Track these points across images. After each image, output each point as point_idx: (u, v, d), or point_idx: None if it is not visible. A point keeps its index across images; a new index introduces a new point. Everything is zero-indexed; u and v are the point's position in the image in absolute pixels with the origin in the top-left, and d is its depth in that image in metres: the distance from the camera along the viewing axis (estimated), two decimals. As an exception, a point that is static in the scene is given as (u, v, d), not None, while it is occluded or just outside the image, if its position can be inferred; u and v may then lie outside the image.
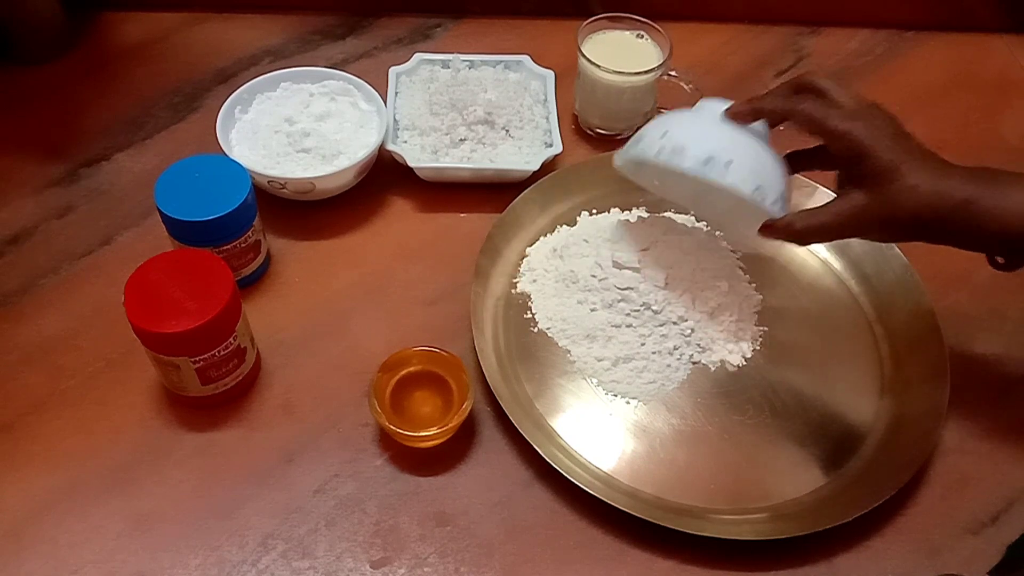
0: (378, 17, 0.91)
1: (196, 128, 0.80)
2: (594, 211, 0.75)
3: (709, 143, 0.59)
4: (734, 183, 0.58)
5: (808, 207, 0.59)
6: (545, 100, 0.80)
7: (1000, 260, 0.58)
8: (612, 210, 0.75)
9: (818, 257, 0.74)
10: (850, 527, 0.58)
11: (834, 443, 0.63)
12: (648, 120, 0.81)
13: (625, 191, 0.76)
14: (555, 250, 0.72)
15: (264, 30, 0.89)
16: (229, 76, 0.84)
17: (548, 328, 0.68)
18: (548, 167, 0.76)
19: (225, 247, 0.65)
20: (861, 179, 0.56)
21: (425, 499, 0.60)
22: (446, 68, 0.82)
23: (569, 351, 0.67)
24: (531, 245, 0.73)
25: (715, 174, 0.58)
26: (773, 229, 0.60)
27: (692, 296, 0.68)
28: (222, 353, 0.59)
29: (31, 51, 0.84)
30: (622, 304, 0.67)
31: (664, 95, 0.80)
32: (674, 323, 0.67)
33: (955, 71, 0.90)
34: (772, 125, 0.61)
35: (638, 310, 0.67)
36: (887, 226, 0.57)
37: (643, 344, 0.66)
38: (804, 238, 0.60)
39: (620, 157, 0.66)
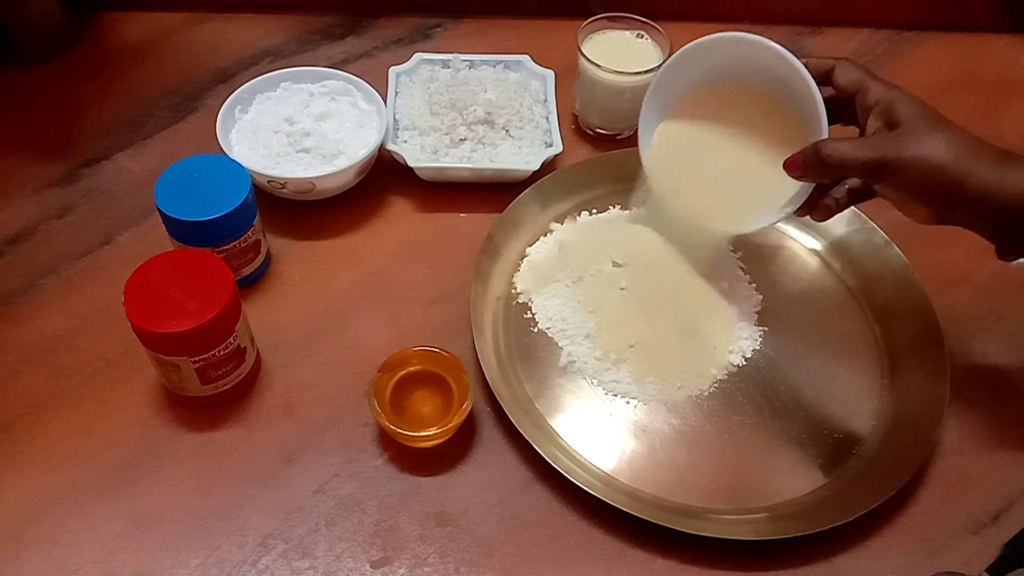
0: (378, 17, 0.91)
1: (196, 128, 0.80)
2: (594, 211, 0.75)
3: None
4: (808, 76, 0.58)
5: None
6: (545, 100, 0.80)
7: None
8: (612, 210, 0.75)
9: (818, 257, 0.74)
10: (850, 527, 0.58)
11: (834, 443, 0.64)
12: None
13: (625, 191, 0.76)
14: (556, 249, 0.72)
15: (264, 30, 0.89)
16: (229, 76, 0.84)
17: (548, 328, 0.68)
18: (548, 167, 0.76)
19: (225, 247, 0.65)
20: (900, 121, 0.55)
21: (425, 499, 0.60)
22: (446, 68, 0.82)
23: (569, 351, 0.67)
24: (531, 245, 0.73)
25: (793, 58, 0.58)
26: (800, 161, 0.58)
27: (692, 296, 0.67)
28: (222, 353, 0.59)
29: (31, 51, 0.84)
30: (622, 304, 0.67)
31: (664, 95, 0.80)
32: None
33: (955, 71, 0.90)
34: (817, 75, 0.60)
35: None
36: (905, 167, 0.54)
37: (643, 344, 0.67)
38: (829, 168, 0.57)
39: (670, 68, 0.65)
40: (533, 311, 0.69)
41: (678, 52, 0.64)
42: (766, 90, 0.63)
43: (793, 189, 0.61)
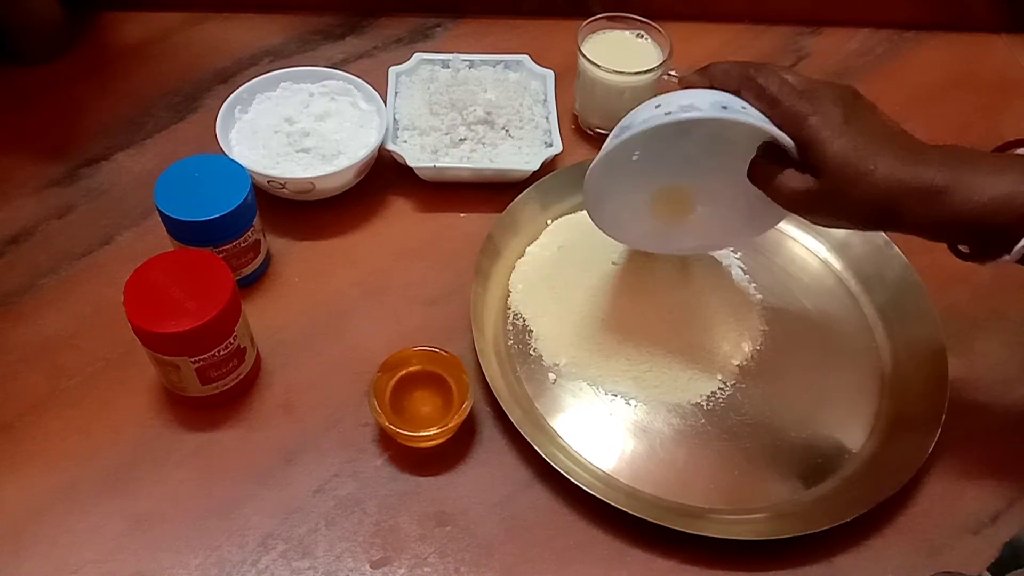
0: (378, 17, 0.91)
1: (196, 128, 0.80)
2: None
3: (714, 96, 0.55)
4: (756, 119, 0.54)
5: None
6: (545, 100, 0.80)
7: (964, 250, 0.54)
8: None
9: (818, 257, 0.74)
10: (850, 527, 0.58)
11: (834, 443, 0.64)
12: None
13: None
14: (555, 249, 0.72)
15: (264, 30, 0.89)
16: (229, 76, 0.84)
17: (548, 328, 0.68)
18: (548, 167, 0.76)
19: (225, 247, 0.65)
20: (813, 166, 0.52)
21: (425, 499, 0.60)
22: (446, 68, 0.82)
23: (570, 351, 0.67)
24: (531, 245, 0.73)
25: (736, 115, 0.54)
26: (759, 175, 0.56)
27: (692, 296, 0.67)
28: (222, 353, 0.59)
29: (31, 51, 0.84)
30: (622, 303, 0.67)
31: (664, 95, 0.80)
32: (674, 323, 0.67)
33: (955, 71, 0.90)
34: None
35: (638, 310, 0.67)
36: (840, 215, 0.53)
37: (643, 344, 0.66)
38: (776, 197, 0.55)
39: (602, 162, 0.58)
40: (533, 311, 0.69)
41: (604, 157, 0.59)
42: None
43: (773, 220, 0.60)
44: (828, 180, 0.52)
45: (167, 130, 0.80)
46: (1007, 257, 0.51)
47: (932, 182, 0.50)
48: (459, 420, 0.60)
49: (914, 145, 0.53)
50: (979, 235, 0.52)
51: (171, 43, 0.88)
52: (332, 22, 0.90)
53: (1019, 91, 0.89)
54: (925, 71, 0.90)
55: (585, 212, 0.74)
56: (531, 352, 0.67)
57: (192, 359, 0.58)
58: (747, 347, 0.68)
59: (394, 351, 0.63)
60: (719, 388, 0.66)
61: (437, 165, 0.74)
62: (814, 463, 0.62)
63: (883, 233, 0.72)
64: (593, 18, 0.79)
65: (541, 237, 0.73)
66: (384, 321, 0.68)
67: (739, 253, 0.73)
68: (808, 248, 0.74)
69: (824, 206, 0.53)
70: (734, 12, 0.92)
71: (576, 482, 0.58)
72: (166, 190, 0.63)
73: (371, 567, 0.57)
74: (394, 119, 0.78)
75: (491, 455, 0.62)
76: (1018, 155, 0.53)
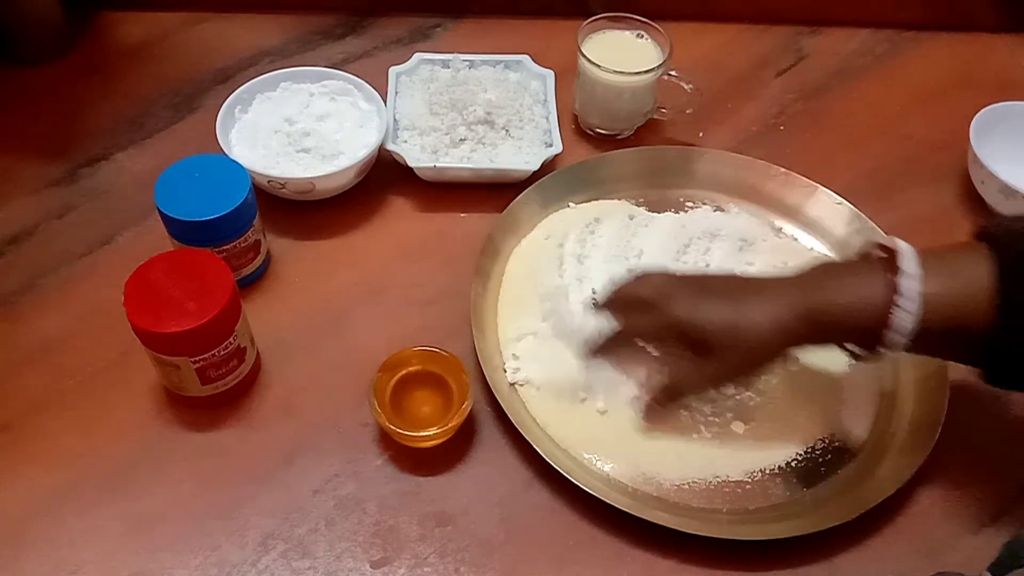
0: (378, 17, 0.91)
1: (196, 128, 0.80)
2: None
3: None
4: None
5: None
6: (545, 100, 0.80)
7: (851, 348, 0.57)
8: (609, 202, 0.75)
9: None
10: (850, 527, 0.58)
11: (834, 443, 0.63)
12: (648, 119, 0.81)
13: (624, 191, 0.76)
14: (557, 247, 0.72)
15: (264, 30, 0.89)
16: (229, 76, 0.84)
17: (548, 327, 0.68)
18: (548, 167, 0.76)
19: (225, 247, 0.65)
20: (704, 351, 0.56)
21: (425, 499, 0.60)
22: (446, 68, 0.82)
23: (570, 351, 0.67)
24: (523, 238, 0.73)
25: None
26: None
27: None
28: (222, 353, 0.59)
29: (31, 51, 0.84)
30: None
31: (664, 95, 0.80)
32: (674, 323, 0.67)
33: (955, 71, 0.90)
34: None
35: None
36: (751, 364, 0.56)
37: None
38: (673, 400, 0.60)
39: None
40: (533, 311, 0.69)
41: None
42: None
43: None
44: (721, 353, 0.55)
45: (167, 130, 0.80)
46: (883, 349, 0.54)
47: (802, 306, 0.55)
48: (459, 420, 0.60)
49: (763, 284, 0.57)
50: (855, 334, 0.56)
51: (171, 43, 0.88)
52: (332, 22, 0.90)
53: (1019, 91, 0.89)
54: (925, 71, 0.90)
55: (584, 208, 0.75)
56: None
57: (192, 359, 0.58)
58: (747, 347, 0.67)
59: (394, 351, 0.63)
60: (720, 388, 0.65)
61: (437, 165, 0.74)
62: (814, 463, 0.62)
63: (883, 233, 0.72)
64: (593, 18, 0.79)
65: (537, 231, 0.73)
66: (384, 321, 0.68)
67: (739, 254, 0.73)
68: (808, 248, 0.74)
69: (735, 368, 0.57)
70: (734, 12, 0.92)
71: (576, 482, 0.58)
72: (166, 190, 0.63)
73: (371, 567, 0.57)
74: (394, 119, 0.78)
75: (491, 455, 0.62)
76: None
